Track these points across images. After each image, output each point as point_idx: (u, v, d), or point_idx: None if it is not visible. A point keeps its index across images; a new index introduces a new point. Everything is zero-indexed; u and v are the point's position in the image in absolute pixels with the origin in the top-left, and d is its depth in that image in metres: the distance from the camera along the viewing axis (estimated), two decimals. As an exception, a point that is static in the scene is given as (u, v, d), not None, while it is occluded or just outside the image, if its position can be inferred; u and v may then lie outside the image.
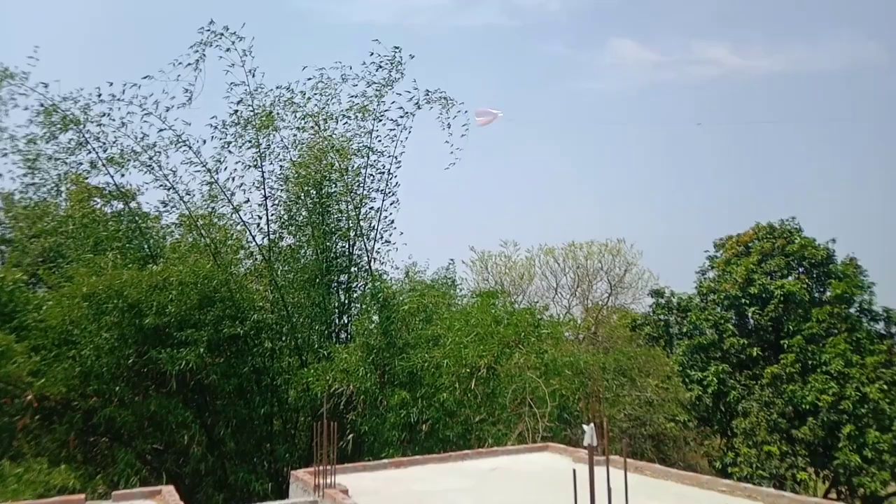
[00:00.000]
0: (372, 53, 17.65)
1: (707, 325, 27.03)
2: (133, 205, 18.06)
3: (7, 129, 17.28)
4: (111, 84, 16.31)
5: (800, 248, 26.93)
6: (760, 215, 29.94)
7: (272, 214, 18.13)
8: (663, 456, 20.28)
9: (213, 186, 17.42)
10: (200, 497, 15.62)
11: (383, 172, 18.26)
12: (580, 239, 31.99)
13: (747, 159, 62.62)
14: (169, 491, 8.33)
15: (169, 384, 15.00)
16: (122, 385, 14.99)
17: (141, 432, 15.48)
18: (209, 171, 17.16)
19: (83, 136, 16.65)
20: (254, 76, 17.01)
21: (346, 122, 18.30)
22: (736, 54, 65.70)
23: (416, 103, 17.82)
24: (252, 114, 17.21)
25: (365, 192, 18.31)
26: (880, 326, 26.54)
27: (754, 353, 26.13)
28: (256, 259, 18.80)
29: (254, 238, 18.29)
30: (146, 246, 17.45)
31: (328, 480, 8.18)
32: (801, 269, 27.16)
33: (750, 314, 27.10)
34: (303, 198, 18.12)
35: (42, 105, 16.46)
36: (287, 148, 18.16)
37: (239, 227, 18.43)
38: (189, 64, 16.30)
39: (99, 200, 18.38)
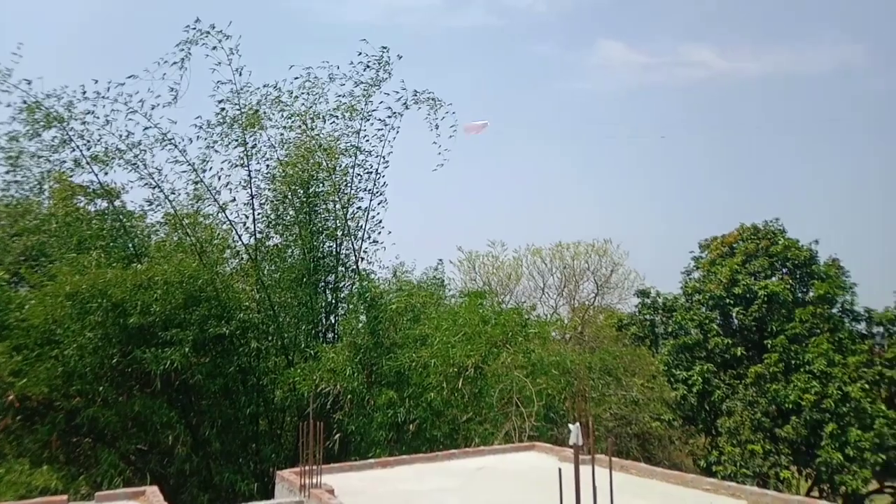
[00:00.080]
0: (360, 53, 17.64)
1: (692, 325, 27.30)
2: (117, 203, 17.89)
3: (-11, 125, 17.08)
4: (96, 82, 16.11)
5: (783, 249, 27.26)
6: (746, 216, 30.16)
7: (259, 214, 18.05)
8: (648, 455, 20.44)
9: (199, 185, 17.30)
10: (185, 497, 15.50)
11: (371, 172, 18.24)
12: (567, 239, 32.23)
13: (734, 161, 63.27)
14: (153, 491, 8.26)
15: (153, 384, 14.85)
16: (105, 385, 14.80)
17: (125, 433, 15.31)
18: (195, 169, 17.03)
19: (67, 133, 16.45)
20: (240, 74, 16.90)
21: (334, 122, 18.23)
22: (723, 57, 66.45)
23: (405, 103, 17.82)
24: (239, 112, 17.09)
25: (353, 192, 18.27)
26: (862, 327, 26.98)
27: (738, 353, 26.42)
28: (243, 258, 18.65)
29: (240, 237, 18.17)
30: (131, 245, 17.27)
31: (314, 480, 8.15)
32: (784, 270, 27.51)
33: (734, 314, 27.37)
34: (290, 197, 18.01)
35: (25, 102, 16.24)
36: (274, 147, 18.08)
37: (225, 227, 18.33)
38: (175, 62, 16.16)
39: (83, 198, 18.18)
